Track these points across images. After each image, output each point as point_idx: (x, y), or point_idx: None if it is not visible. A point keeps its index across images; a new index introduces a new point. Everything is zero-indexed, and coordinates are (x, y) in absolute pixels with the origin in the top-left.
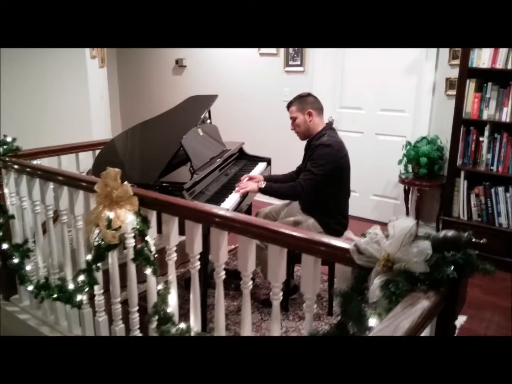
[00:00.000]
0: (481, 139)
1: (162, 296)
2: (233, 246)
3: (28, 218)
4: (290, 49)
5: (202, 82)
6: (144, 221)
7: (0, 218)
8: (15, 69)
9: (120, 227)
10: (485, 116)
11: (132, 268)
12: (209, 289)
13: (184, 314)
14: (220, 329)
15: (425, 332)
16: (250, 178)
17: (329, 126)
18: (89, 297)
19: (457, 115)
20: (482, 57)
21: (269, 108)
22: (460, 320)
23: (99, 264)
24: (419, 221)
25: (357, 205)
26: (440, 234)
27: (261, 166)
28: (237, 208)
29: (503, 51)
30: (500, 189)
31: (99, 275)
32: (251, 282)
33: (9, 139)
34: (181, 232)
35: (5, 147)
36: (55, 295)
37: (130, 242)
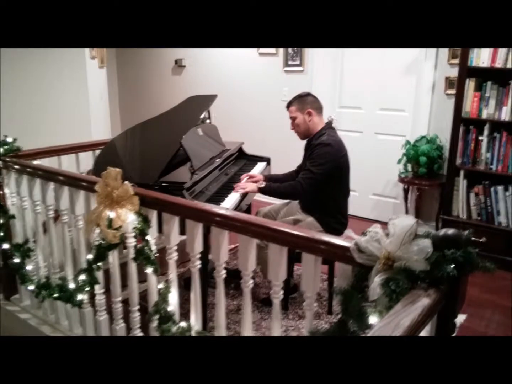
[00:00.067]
0: (480, 138)
1: (163, 295)
2: (232, 246)
3: (29, 218)
4: (290, 49)
5: (201, 82)
6: (145, 220)
7: (1, 218)
8: (15, 69)
9: (120, 226)
10: (484, 115)
11: (132, 267)
12: (209, 289)
13: (184, 314)
14: (221, 328)
15: (426, 330)
16: (250, 177)
17: (329, 125)
18: (90, 296)
19: (456, 114)
20: (482, 56)
21: (268, 107)
22: (460, 318)
23: (99, 264)
24: (418, 220)
25: (356, 204)
26: (440, 232)
27: (261, 165)
28: (237, 208)
29: (502, 50)
30: (500, 188)
31: (99, 275)
32: (251, 281)
33: (9, 140)
34: (181, 231)
35: (5, 147)
36: (55, 295)
37: (131, 241)
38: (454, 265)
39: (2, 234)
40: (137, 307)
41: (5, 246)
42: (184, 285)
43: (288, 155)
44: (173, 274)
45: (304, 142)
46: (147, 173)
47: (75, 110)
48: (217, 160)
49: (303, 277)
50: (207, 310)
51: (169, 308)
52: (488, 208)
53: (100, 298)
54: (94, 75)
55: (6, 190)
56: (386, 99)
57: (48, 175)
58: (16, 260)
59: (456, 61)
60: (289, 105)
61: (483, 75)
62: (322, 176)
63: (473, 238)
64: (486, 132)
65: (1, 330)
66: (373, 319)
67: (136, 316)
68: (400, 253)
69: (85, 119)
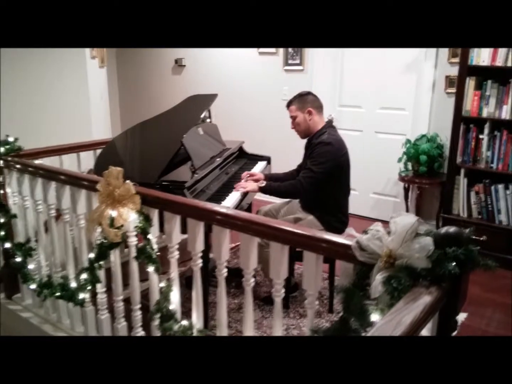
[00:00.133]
0: (481, 136)
1: (165, 294)
2: (233, 245)
3: (30, 217)
4: (290, 48)
5: (201, 82)
6: (146, 219)
7: (3, 218)
8: (15, 69)
9: (122, 225)
10: (485, 114)
11: (134, 266)
12: (210, 287)
13: (185, 312)
14: (222, 326)
15: (427, 328)
16: (251, 176)
17: (329, 124)
18: (92, 295)
19: (456, 113)
20: (482, 55)
21: (268, 107)
22: (461, 317)
23: (101, 263)
24: (419, 218)
25: (356, 203)
26: (442, 230)
27: (261, 164)
28: (237, 207)
29: (502, 49)
30: (500, 187)
31: (101, 274)
32: (253, 279)
33: (11, 139)
34: (182, 231)
35: (7, 147)
36: (57, 293)
37: (133, 240)
38: (455, 263)
39: (4, 233)
40: (138, 306)
41: (7, 245)
42: (186, 284)
43: (288, 154)
44: (174, 272)
45: (305, 141)
46: (148, 172)
47: (76, 109)
48: (218, 159)
49: (305, 276)
50: (208, 309)
51: (171, 307)
52: (489, 206)
53: (101, 297)
54: (95, 74)
55: (8, 190)
56: (387, 98)
57: (50, 175)
58: (18, 259)
59: (456, 60)
60: (289, 104)
61: (484, 74)
62: (323, 175)
63: (473, 237)
64: (486, 130)
65: (3, 329)
66: (375, 317)
67: (137, 314)
68: (401, 251)
69: (86, 118)
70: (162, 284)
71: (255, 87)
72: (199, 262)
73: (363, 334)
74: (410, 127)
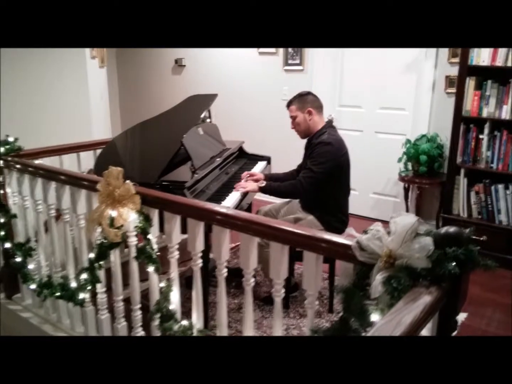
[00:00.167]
0: (481, 136)
1: (165, 294)
2: (233, 245)
3: (30, 217)
4: (290, 48)
5: (201, 82)
6: (146, 219)
7: (3, 218)
8: (15, 69)
9: (122, 225)
10: (485, 114)
11: (134, 266)
12: (210, 287)
13: (185, 312)
14: (223, 326)
15: (427, 327)
16: (251, 175)
17: (329, 124)
18: (92, 295)
19: (457, 113)
20: (482, 55)
21: (268, 107)
22: (461, 317)
23: (101, 262)
24: (419, 218)
25: (356, 203)
26: (442, 230)
27: (261, 164)
28: (237, 207)
29: (502, 49)
30: (500, 187)
31: (101, 273)
32: (253, 279)
33: (11, 139)
34: (181, 231)
35: (7, 147)
36: (57, 294)
37: (133, 240)
38: (455, 263)
39: (4, 233)
40: (138, 306)
41: (7, 245)
42: (185, 284)
43: (288, 154)
44: (174, 272)
45: (304, 141)
46: (148, 172)
47: (76, 109)
48: (218, 159)
49: (305, 276)
50: (208, 309)
51: (171, 307)
52: (489, 206)
53: (101, 297)
54: (95, 74)
55: (8, 190)
56: (386, 98)
57: (50, 175)
58: (18, 259)
59: (456, 60)
60: (289, 104)
61: (484, 74)
62: (323, 175)
63: (473, 237)
64: (486, 130)
65: (3, 329)
66: (375, 317)
67: (137, 314)
68: (401, 251)
69: (86, 118)
70: (162, 284)
71: (255, 87)
72: (199, 262)
73: (363, 334)
74: (410, 127)
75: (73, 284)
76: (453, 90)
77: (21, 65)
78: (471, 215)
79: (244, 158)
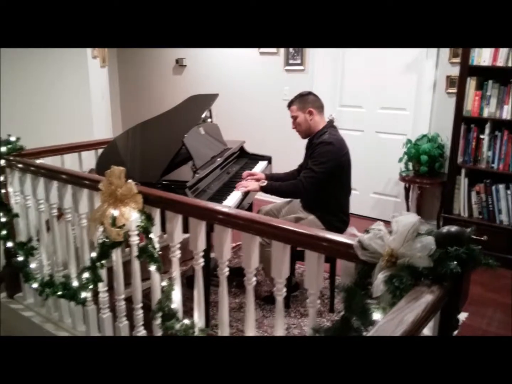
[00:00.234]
0: (481, 136)
1: (166, 293)
2: (234, 244)
3: (32, 216)
4: (290, 48)
5: (202, 82)
6: (148, 218)
7: (5, 217)
8: (15, 69)
9: (124, 224)
10: (485, 114)
11: (136, 265)
12: (211, 287)
13: (186, 312)
14: (224, 325)
15: (429, 326)
16: (251, 175)
17: (330, 124)
18: (93, 294)
19: (457, 113)
20: (483, 55)
21: (269, 107)
22: (462, 316)
23: (103, 262)
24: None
25: (357, 203)
26: (444, 229)
27: (262, 164)
28: (238, 206)
29: (504, 49)
30: (501, 187)
31: (103, 273)
32: (254, 278)
33: (13, 139)
34: (183, 230)
35: (9, 146)
36: (59, 293)
37: (135, 239)
38: (457, 262)
39: (6, 232)
40: (140, 305)
41: (9, 244)
42: (186, 283)
43: (289, 154)
44: (176, 271)
45: (305, 141)
46: (150, 172)
47: (77, 109)
48: (219, 159)
49: (307, 275)
50: (209, 308)
51: (173, 306)
52: (490, 206)
53: (103, 296)
54: (96, 74)
55: (10, 189)
56: (387, 98)
57: (52, 174)
58: (20, 258)
59: (457, 60)
60: (290, 104)
61: (484, 74)
62: (324, 175)
63: (474, 237)
64: (487, 130)
65: (5, 328)
66: (376, 316)
67: (139, 313)
68: (403, 250)
69: (87, 118)
70: (164, 283)
71: (256, 87)
72: (201, 261)
73: (364, 333)
74: (411, 127)
75: (75, 283)
76: (454, 90)
77: (21, 65)
78: (471, 215)
79: (245, 158)
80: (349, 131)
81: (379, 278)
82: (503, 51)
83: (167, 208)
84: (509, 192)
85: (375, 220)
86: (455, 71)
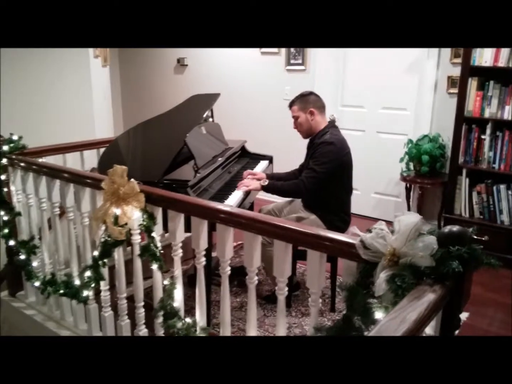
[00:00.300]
0: (483, 137)
1: (168, 291)
2: (235, 244)
3: (34, 215)
4: (292, 48)
5: (203, 81)
6: (151, 217)
7: (7, 215)
8: (16, 69)
9: (126, 223)
10: (487, 114)
11: (138, 263)
12: (212, 286)
13: (187, 311)
14: (226, 324)
15: (431, 325)
16: (252, 174)
17: (332, 124)
18: (95, 293)
19: (459, 113)
20: (484, 56)
21: (270, 107)
22: (463, 316)
23: (105, 260)
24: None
25: (358, 203)
26: (445, 229)
27: (263, 164)
28: (240, 206)
29: (505, 50)
30: (502, 187)
31: (105, 271)
32: (256, 277)
33: (15, 138)
34: (184, 229)
35: (11, 145)
36: (61, 291)
37: (137, 238)
38: (459, 261)
39: (8, 231)
40: (142, 303)
41: (11, 242)
42: (188, 282)
43: (290, 154)
44: (178, 270)
45: (307, 141)
46: (152, 171)
47: (79, 109)
48: (220, 158)
49: (309, 274)
50: (211, 307)
51: (175, 304)
52: (491, 206)
53: (105, 295)
54: (98, 74)
55: (12, 188)
56: (388, 98)
57: (54, 173)
58: (22, 256)
59: (459, 60)
60: (291, 104)
61: (486, 74)
62: (325, 174)
63: (475, 237)
64: (488, 131)
65: (7, 326)
66: (378, 315)
67: (141, 312)
68: (405, 249)
69: (89, 118)
70: (166, 282)
71: (257, 87)
72: (203, 260)
73: (366, 332)
74: (412, 127)
75: (77, 282)
76: (455, 90)
77: (21, 65)
78: (472, 215)
79: (246, 158)
80: (350, 131)
81: (381, 277)
82: (504, 52)
83: (169, 207)
84: (510, 192)
85: (376, 220)
86: (456, 72)
